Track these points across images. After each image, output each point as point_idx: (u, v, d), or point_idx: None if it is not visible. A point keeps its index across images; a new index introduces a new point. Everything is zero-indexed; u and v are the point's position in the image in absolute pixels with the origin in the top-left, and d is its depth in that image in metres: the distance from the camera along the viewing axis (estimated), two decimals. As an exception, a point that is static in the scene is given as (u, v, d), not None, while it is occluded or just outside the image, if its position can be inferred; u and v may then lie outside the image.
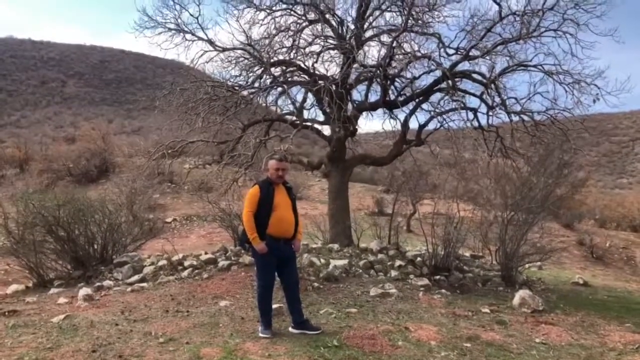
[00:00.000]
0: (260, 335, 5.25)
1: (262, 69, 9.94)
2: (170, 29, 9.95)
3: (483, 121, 10.48)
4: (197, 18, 9.83)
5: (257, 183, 5.54)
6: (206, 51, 10.02)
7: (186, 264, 8.89)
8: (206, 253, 9.58)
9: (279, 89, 10.41)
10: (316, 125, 11.36)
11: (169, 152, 10.41)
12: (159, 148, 10.54)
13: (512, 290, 8.32)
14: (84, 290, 7.41)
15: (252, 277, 8.01)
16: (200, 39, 9.99)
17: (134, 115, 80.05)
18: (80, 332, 5.36)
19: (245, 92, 10.26)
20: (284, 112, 11.22)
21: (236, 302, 6.72)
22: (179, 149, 10.60)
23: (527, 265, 10.01)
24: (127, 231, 10.15)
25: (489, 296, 7.95)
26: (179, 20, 9.87)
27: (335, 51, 10.64)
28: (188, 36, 9.97)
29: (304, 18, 10.54)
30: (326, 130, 11.20)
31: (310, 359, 4.55)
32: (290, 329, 5.50)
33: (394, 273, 8.66)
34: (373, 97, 11.08)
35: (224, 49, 9.92)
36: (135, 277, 8.41)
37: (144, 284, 7.99)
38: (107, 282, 8.24)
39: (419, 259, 9.25)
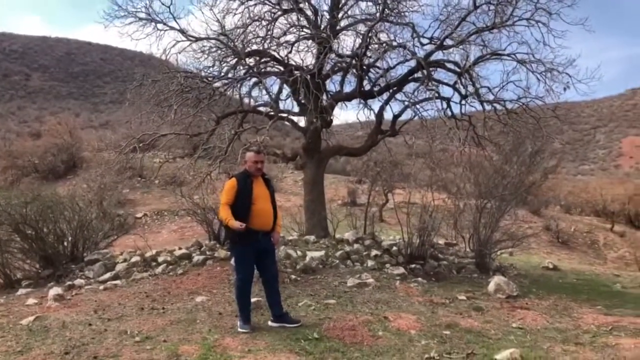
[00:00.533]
0: (240, 330, 5.19)
1: (236, 59, 9.77)
2: (141, 19, 9.65)
3: (456, 110, 10.59)
4: (169, 7, 9.57)
5: (233, 176, 5.46)
6: (178, 41, 9.78)
7: (160, 259, 8.71)
8: (180, 248, 9.43)
9: (254, 79, 10.25)
10: (291, 117, 11.28)
11: (140, 146, 10.16)
12: (130, 142, 10.26)
13: (487, 277, 8.47)
14: (55, 290, 7.18)
15: (227, 271, 7.92)
16: (172, 28, 9.73)
17: (101, 109, 78.22)
18: (52, 333, 5.18)
19: (219, 83, 10.08)
20: (258, 103, 11.07)
21: (213, 297, 6.62)
22: (150, 143, 10.36)
23: (499, 252, 10.16)
24: (98, 228, 9.88)
25: (465, 283, 8.06)
26: (150, 10, 9.60)
27: (311, 41, 10.54)
28: (160, 26, 9.69)
29: (278, 7, 10.40)
30: (301, 121, 11.14)
31: (291, 352, 4.51)
32: (269, 322, 5.46)
33: (370, 263, 8.69)
34: (347, 88, 11.06)
35: (197, 39, 9.70)
36: (108, 275, 8.18)
37: (117, 282, 7.79)
38: (78, 281, 8.00)
39: (394, 248, 9.31)
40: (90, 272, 8.53)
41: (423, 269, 8.79)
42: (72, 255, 9.30)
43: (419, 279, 8.10)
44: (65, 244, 9.34)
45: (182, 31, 9.53)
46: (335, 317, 5.64)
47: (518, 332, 5.29)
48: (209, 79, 9.39)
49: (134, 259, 8.86)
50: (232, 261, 5.81)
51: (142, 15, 9.45)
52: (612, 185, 35.72)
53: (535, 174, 9.42)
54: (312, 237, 9.73)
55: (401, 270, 8.39)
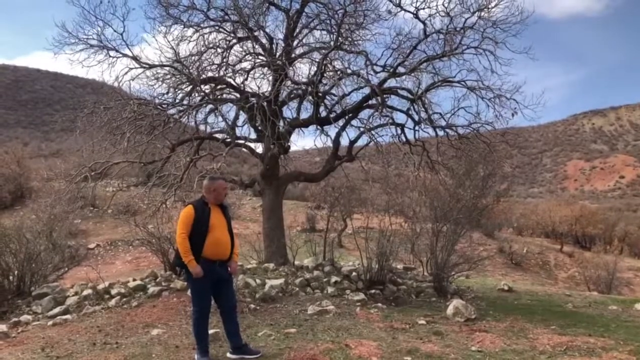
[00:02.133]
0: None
1: (192, 86, 9.70)
2: (92, 46, 9.50)
3: (410, 136, 10.84)
4: (121, 34, 9.48)
5: (190, 203, 5.30)
6: (132, 68, 9.67)
7: (113, 292, 8.37)
8: (135, 279, 9.09)
9: (209, 106, 10.19)
10: (249, 143, 11.25)
11: (92, 175, 9.85)
12: (81, 170, 9.94)
13: (445, 300, 8.56)
14: (-2, 327, 6.76)
15: (184, 303, 7.69)
16: (125, 55, 9.61)
17: (51, 138, 75.69)
18: (-5, 375, 4.86)
19: (173, 110, 9.95)
20: (214, 130, 10.98)
21: (169, 330, 6.39)
22: (102, 171, 10.06)
23: (459, 275, 10.32)
24: (47, 260, 9.42)
25: (424, 307, 8.11)
26: (102, 37, 9.46)
27: (266, 68, 10.60)
28: (112, 53, 9.56)
29: (232, 35, 10.44)
30: (259, 148, 11.11)
31: (252, 385, 4.38)
32: (228, 354, 5.31)
33: (330, 289, 8.64)
34: (304, 114, 11.15)
35: (151, 66, 9.60)
36: (57, 309, 7.77)
37: (67, 316, 7.41)
38: (24, 317, 7.55)
39: (354, 273, 9.30)
40: (38, 307, 8.09)
41: (382, 294, 8.81)
42: (19, 290, 8.81)
43: (379, 304, 8.10)
44: (11, 278, 8.84)
45: (135, 58, 9.43)
46: (295, 346, 5.54)
47: (477, 356, 5.34)
48: (163, 106, 9.26)
49: (85, 292, 8.46)
50: (189, 292, 5.61)
51: (94, 42, 9.31)
52: (559, 207, 37.24)
53: (487, 197, 9.67)
54: (271, 265, 9.61)
55: (361, 296, 8.38)
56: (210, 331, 5.93)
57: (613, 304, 9.40)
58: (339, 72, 9.83)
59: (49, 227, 21.99)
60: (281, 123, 10.82)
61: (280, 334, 6.15)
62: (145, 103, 9.10)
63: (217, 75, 10.22)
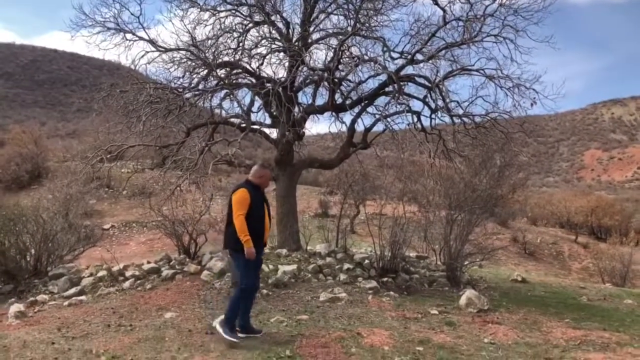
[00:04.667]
0: (231, 339, 5.15)
1: (207, 70, 9.66)
2: (109, 28, 9.48)
3: (426, 124, 10.71)
4: (138, 17, 9.44)
5: (242, 186, 5.46)
6: (148, 51, 9.62)
7: (128, 274, 8.49)
8: (149, 262, 9.20)
9: (225, 91, 10.15)
10: (263, 129, 11.21)
11: (108, 157, 9.91)
12: (97, 152, 10.00)
13: (458, 290, 8.52)
14: (16, 307, 6.90)
15: (198, 287, 7.79)
16: (141, 39, 9.57)
17: (68, 118, 76.45)
18: (12, 353, 4.95)
19: (189, 94, 9.94)
20: (229, 115, 10.95)
21: (182, 314, 6.46)
22: (118, 153, 10.11)
23: (472, 264, 10.25)
24: (63, 241, 9.56)
25: (436, 297, 8.09)
26: (119, 19, 9.43)
27: (282, 53, 10.52)
28: (128, 36, 9.53)
29: (249, 19, 10.35)
30: (273, 133, 11.07)
31: (264, 371, 4.42)
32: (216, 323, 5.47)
33: (342, 276, 8.64)
34: (319, 100, 11.07)
35: (167, 50, 9.57)
36: (73, 290, 7.91)
37: (83, 297, 7.54)
38: (41, 297, 7.71)
39: (366, 261, 9.29)
40: (54, 287, 8.24)
41: (395, 283, 8.78)
42: (36, 270, 8.99)
43: (391, 292, 8.09)
44: (28, 258, 9.02)
45: (152, 42, 9.39)
46: (307, 333, 5.58)
47: (490, 348, 5.32)
48: (179, 90, 9.24)
49: (100, 274, 8.60)
50: (234, 268, 5.79)
51: (111, 25, 9.28)
52: (575, 198, 36.76)
53: (503, 187, 9.55)
54: (284, 251, 9.63)
55: (373, 283, 8.37)
56: (223, 316, 5.98)
57: (628, 298, 9.29)
58: (355, 59, 9.71)
59: (65, 207, 22.35)
60: (296, 109, 10.78)
61: (292, 320, 6.19)
62: (161, 87, 9.09)
63: (233, 59, 10.17)
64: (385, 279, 8.77)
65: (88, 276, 8.57)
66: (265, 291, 7.55)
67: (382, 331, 5.71)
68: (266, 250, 10.08)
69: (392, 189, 12.22)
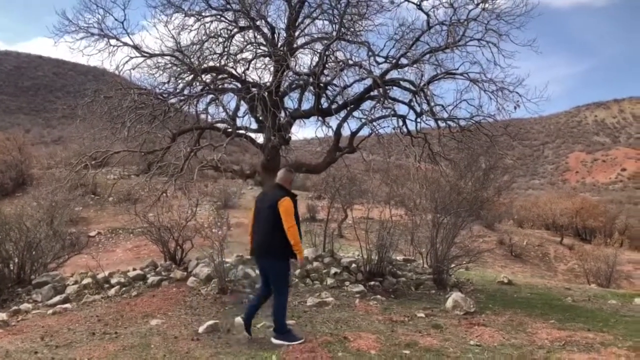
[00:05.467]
0: (296, 342, 5.25)
1: (192, 75, 9.63)
2: (92, 34, 9.39)
3: (412, 127, 10.77)
4: (122, 23, 9.36)
5: (287, 195, 5.44)
6: (132, 57, 9.55)
7: (113, 281, 8.41)
8: (134, 269, 9.13)
9: (210, 96, 10.12)
10: (249, 134, 11.19)
11: (92, 163, 9.82)
12: (81, 159, 9.90)
13: (444, 293, 8.56)
14: (-2, 316, 6.79)
15: (184, 293, 7.74)
16: (125, 44, 9.50)
17: (53, 124, 75.64)
18: (-6, 364, 4.88)
19: (174, 100, 9.89)
20: (215, 120, 10.92)
21: (168, 320, 6.41)
22: (102, 160, 10.02)
23: (459, 267, 10.31)
24: (47, 248, 9.43)
25: (423, 300, 8.12)
26: (103, 25, 9.36)
27: (268, 58, 10.52)
28: (112, 41, 9.45)
29: (234, 24, 10.34)
30: (260, 138, 11.05)
31: (250, 377, 4.39)
32: (273, 339, 5.44)
33: (329, 281, 8.65)
34: (305, 105, 11.08)
35: (151, 55, 9.50)
36: (57, 298, 7.82)
37: (67, 305, 7.46)
38: (24, 305, 7.60)
39: (353, 265, 9.29)
40: (38, 296, 8.14)
41: (382, 286, 8.81)
42: (19, 278, 8.86)
43: (378, 296, 8.10)
44: (12, 266, 8.87)
45: (136, 47, 9.32)
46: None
47: (476, 350, 5.34)
48: (164, 95, 9.20)
49: (85, 281, 8.52)
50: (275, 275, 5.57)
51: (94, 30, 9.19)
52: (560, 200, 37.22)
53: (489, 190, 9.63)
54: (270, 256, 9.59)
55: (360, 287, 8.38)
56: (210, 322, 5.96)
57: (612, 298, 9.40)
58: (340, 63, 9.74)
59: (49, 214, 22.06)
60: (282, 114, 10.78)
61: (279, 325, 6.14)
62: (146, 92, 9.03)
63: (218, 64, 10.15)
64: (372, 283, 8.78)
65: (73, 284, 8.47)
66: (252, 296, 7.51)
67: (369, 335, 5.71)
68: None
69: (378, 192, 12.27)
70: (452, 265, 9.68)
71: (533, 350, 5.37)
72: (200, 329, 5.83)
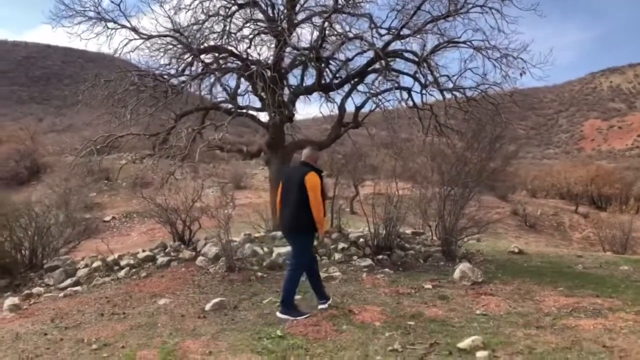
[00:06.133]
0: (299, 317, 5.30)
1: (192, 56, 9.57)
2: (90, 18, 9.37)
3: (417, 100, 10.63)
4: (118, 5, 9.32)
5: (311, 171, 5.52)
6: (131, 39, 9.54)
7: (122, 263, 8.51)
8: (144, 250, 9.22)
9: (212, 76, 10.05)
10: (254, 112, 11.13)
11: (97, 148, 9.86)
12: (86, 144, 9.95)
13: (453, 264, 8.50)
14: (10, 300, 6.92)
15: (192, 272, 7.80)
16: (123, 26, 9.48)
17: (64, 112, 76.22)
18: (4, 346, 4.97)
19: (175, 81, 9.85)
20: (218, 99, 10.87)
21: (176, 299, 6.48)
22: (108, 144, 10.05)
23: (465, 239, 10.25)
24: (57, 233, 9.56)
25: (431, 272, 8.09)
26: (100, 8, 9.32)
27: (268, 35, 10.39)
28: (110, 24, 9.43)
29: (233, 2, 10.20)
30: (264, 117, 10.99)
31: (253, 352, 4.42)
32: (319, 306, 5.69)
33: (337, 256, 8.65)
34: (310, 81, 10.96)
35: (150, 37, 9.45)
36: (68, 282, 7.94)
37: (78, 288, 7.57)
38: (36, 289, 7.74)
39: (361, 240, 9.27)
40: (50, 280, 8.28)
41: (390, 260, 8.78)
42: (31, 263, 9.03)
43: (386, 269, 8.09)
44: (24, 251, 9.03)
45: (134, 29, 9.27)
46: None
47: (481, 319, 5.31)
48: (164, 76, 9.15)
49: (95, 264, 8.63)
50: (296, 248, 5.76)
51: (92, 14, 9.16)
52: (575, 168, 36.75)
53: (496, 160, 9.49)
54: (279, 233, 9.60)
55: (368, 261, 8.37)
56: (216, 300, 6.02)
57: (625, 264, 9.28)
58: (341, 36, 9.59)
59: (64, 200, 22.39)
60: (286, 90, 10.70)
61: (285, 301, 6.17)
62: (144, 74, 9.00)
63: (218, 44, 10.05)
64: (380, 257, 8.76)
65: (83, 267, 8.59)
66: (260, 273, 7.57)
67: (375, 307, 5.72)
68: (261, 233, 10.14)
69: (384, 166, 12.19)
70: (462, 237, 9.63)
71: (539, 318, 5.33)
72: (207, 307, 5.88)
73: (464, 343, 4.37)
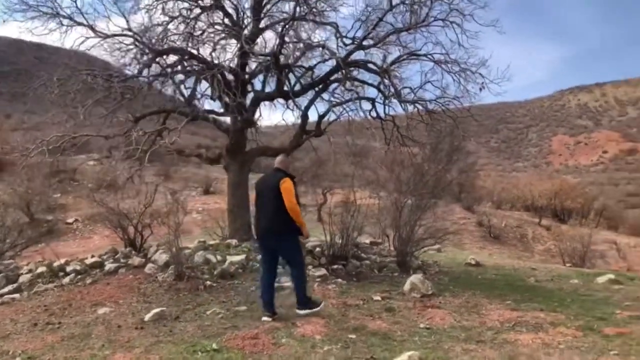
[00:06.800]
0: (318, 309, 5.77)
1: (151, 57, 9.37)
2: (44, 13, 9.06)
3: (381, 111, 10.67)
4: (75, 1, 9.05)
5: (287, 176, 5.81)
6: (88, 37, 9.26)
7: (69, 269, 8.21)
8: (93, 256, 8.94)
9: (178, 77, 9.84)
10: (216, 117, 10.98)
11: (50, 149, 9.54)
12: (38, 144, 9.61)
13: (407, 276, 8.47)
14: (-58, 307, 6.59)
15: (140, 280, 7.58)
16: (79, 24, 9.20)
17: (33, 110, 74.09)
18: None
19: (135, 82, 9.61)
20: (179, 103, 10.66)
21: (117, 308, 6.27)
22: (61, 145, 9.73)
23: (424, 249, 10.27)
24: (1, 236, 9.20)
25: (384, 283, 8.04)
26: (55, 3, 9.02)
27: (232, 40, 10.26)
28: (65, 21, 9.14)
29: (195, 4, 10.05)
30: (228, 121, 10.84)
31: (185, 366, 4.27)
32: (297, 310, 5.85)
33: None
34: (272, 87, 10.86)
35: (107, 36, 9.20)
36: (8, 288, 7.62)
37: (17, 295, 7.27)
38: (-28, 296, 7.39)
39: (318, 249, 9.18)
40: (-11, 286, 7.91)
41: (345, 270, 8.70)
42: (-29, 269, 8.61)
43: (339, 280, 8.00)
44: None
45: (91, 27, 9.02)
46: (241, 325, 5.44)
47: (424, 333, 5.27)
48: (115, 77, 8.90)
49: (40, 270, 8.30)
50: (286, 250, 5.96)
51: (46, 9, 8.86)
52: (541, 182, 37.55)
53: (452, 172, 9.57)
54: (234, 241, 9.47)
55: (323, 271, 8.27)
56: (157, 310, 5.84)
57: (576, 278, 9.43)
58: (304, 44, 9.54)
59: (25, 200, 21.66)
60: (251, 95, 10.60)
61: (229, 312, 6.05)
62: (94, 75, 8.74)
63: (180, 45, 9.86)
64: (335, 267, 8.67)
65: (26, 273, 8.26)
66: (209, 282, 7.39)
67: (319, 320, 5.62)
68: (215, 240, 9.96)
69: (341, 174, 12.16)
70: (419, 248, 9.64)
71: (482, 332, 5.32)
72: (147, 317, 5.70)
73: (400, 358, 4.30)
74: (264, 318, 5.62)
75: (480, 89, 9.42)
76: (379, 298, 6.80)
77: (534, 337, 5.04)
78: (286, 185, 5.65)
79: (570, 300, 7.14)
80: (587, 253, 19.78)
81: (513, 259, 18.50)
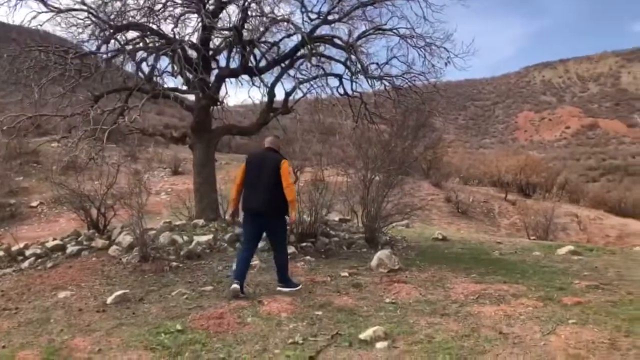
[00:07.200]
0: (297, 287, 5.97)
1: (109, 33, 9.00)
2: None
3: (348, 88, 10.58)
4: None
5: (282, 157, 6.00)
6: (40, 12, 8.81)
7: (28, 253, 7.96)
8: (54, 239, 8.68)
9: (139, 53, 9.48)
10: (182, 95, 10.71)
11: (4, 129, 9.13)
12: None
13: (375, 252, 8.52)
14: None
15: (103, 262, 7.42)
16: (29, -3, 8.75)
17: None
18: None
19: (92, 59, 9.23)
20: (140, 80, 10.32)
21: (79, 292, 6.10)
22: (16, 125, 9.31)
23: (392, 225, 10.35)
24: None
25: (352, 259, 8.08)
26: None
27: (195, 15, 9.94)
28: (13, -6, 8.67)
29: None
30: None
31: (146, 349, 4.18)
32: (278, 288, 6.02)
33: (261, 244, 8.44)
34: (237, 64, 10.63)
35: (60, 10, 8.77)
36: (-36, 274, 7.34)
37: (-28, 281, 7.00)
38: None
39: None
40: (-57, 273, 7.60)
41: (314, 247, 8.71)
42: None
43: (308, 257, 8.01)
44: None
45: (43, 1, 8.57)
46: (206, 305, 5.37)
47: (389, 308, 5.31)
48: (70, 52, 8.52)
49: (-3, 255, 8.02)
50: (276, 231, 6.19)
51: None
52: (507, 157, 38.23)
53: (418, 148, 9.61)
54: (201, 221, 9.34)
55: (292, 249, 8.24)
56: (119, 292, 5.72)
57: (538, 250, 9.67)
58: (268, 18, 9.32)
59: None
60: (215, 72, 10.35)
61: (195, 292, 5.96)
62: (47, 51, 8.34)
63: (140, 21, 9.50)
64: (304, 244, 8.67)
65: (-17, 258, 7.97)
66: (175, 263, 7.28)
67: (285, 297, 5.60)
68: (182, 221, 9.81)
69: (317, 152, 12.10)
70: (387, 224, 9.71)
71: (446, 305, 5.39)
72: (109, 300, 5.57)
73: (365, 334, 4.32)
74: (234, 285, 5.61)
75: (446, 64, 9.45)
76: (346, 274, 6.83)
77: (497, 309, 5.14)
78: (286, 166, 5.86)
79: (532, 272, 7.32)
80: (550, 226, 20.43)
81: (480, 234, 18.87)
